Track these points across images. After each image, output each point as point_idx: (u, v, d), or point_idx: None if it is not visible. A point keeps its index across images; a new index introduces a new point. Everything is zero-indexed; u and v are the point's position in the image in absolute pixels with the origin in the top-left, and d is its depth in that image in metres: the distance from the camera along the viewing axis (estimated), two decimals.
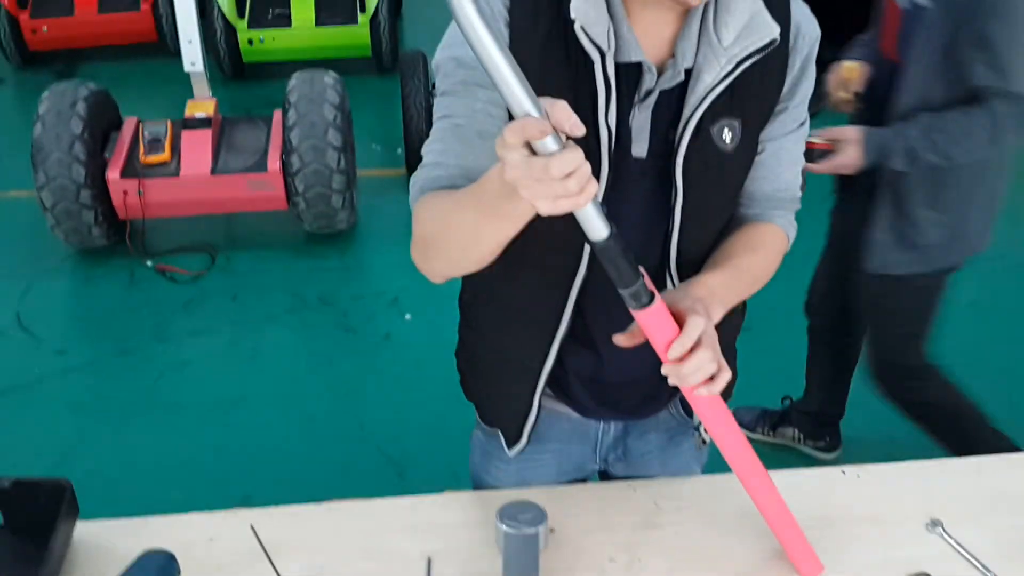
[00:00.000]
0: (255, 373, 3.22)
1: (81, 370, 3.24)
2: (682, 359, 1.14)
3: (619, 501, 1.49)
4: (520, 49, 1.16)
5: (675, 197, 1.27)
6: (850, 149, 2.06)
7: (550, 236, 1.19)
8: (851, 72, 2.21)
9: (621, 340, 1.20)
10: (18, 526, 1.37)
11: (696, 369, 1.14)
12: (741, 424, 2.77)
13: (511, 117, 1.21)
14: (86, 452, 2.88)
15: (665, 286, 1.33)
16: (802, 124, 1.35)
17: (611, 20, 1.18)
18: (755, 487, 1.32)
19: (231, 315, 3.46)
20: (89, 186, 3.42)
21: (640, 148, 1.25)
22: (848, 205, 2.37)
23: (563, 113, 0.94)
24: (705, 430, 1.53)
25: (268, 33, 4.69)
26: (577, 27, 1.15)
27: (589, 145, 1.16)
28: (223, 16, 4.60)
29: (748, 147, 1.30)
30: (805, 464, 2.37)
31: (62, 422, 3.02)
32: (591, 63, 1.18)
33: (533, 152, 0.94)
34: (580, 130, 0.94)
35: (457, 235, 1.16)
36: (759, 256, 1.34)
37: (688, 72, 1.22)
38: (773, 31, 1.20)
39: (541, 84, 0.96)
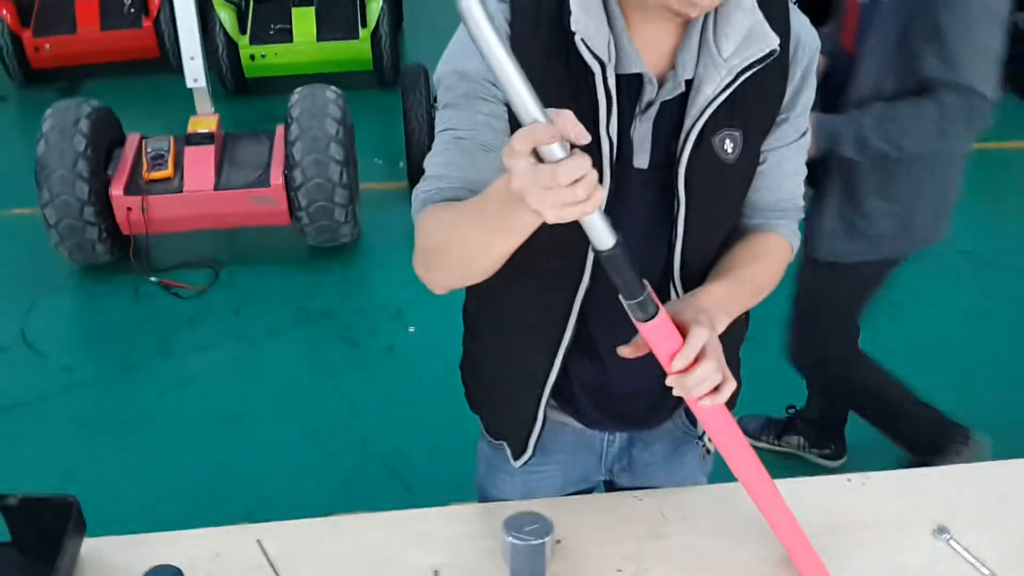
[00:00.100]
0: (259, 387, 3.22)
1: (86, 386, 3.24)
2: (686, 370, 1.14)
3: (625, 511, 1.49)
4: (521, 62, 1.17)
5: (677, 208, 1.27)
6: None
7: (553, 247, 1.20)
8: None
9: (626, 352, 1.21)
10: (25, 543, 1.37)
11: (701, 380, 1.14)
12: (746, 433, 2.74)
13: (515, 126, 1.22)
14: (92, 468, 2.88)
15: (669, 297, 1.33)
16: (803, 134, 1.35)
17: (611, 32, 1.19)
18: (761, 496, 1.31)
19: (235, 330, 3.47)
20: (93, 203, 3.43)
21: (642, 159, 1.26)
22: None
23: (569, 121, 0.95)
24: (709, 440, 1.53)
25: (270, 49, 4.71)
26: (578, 39, 1.16)
27: (591, 156, 1.17)
28: (225, 32, 4.63)
29: (750, 157, 1.30)
30: (810, 472, 2.37)
31: (68, 438, 3.02)
32: (592, 75, 1.18)
33: (540, 160, 0.94)
34: (586, 138, 0.95)
35: (461, 246, 1.16)
36: (763, 266, 1.34)
37: (689, 83, 1.23)
38: (773, 42, 1.20)
39: (542, 96, 0.96)
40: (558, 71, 1.18)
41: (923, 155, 2.09)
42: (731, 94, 1.22)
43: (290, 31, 4.76)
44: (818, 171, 2.16)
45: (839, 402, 2.69)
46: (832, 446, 2.80)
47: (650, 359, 1.19)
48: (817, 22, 2.39)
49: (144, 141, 3.66)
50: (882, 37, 2.01)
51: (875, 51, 2.03)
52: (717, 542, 1.44)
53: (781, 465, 2.75)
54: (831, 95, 2.13)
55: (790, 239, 1.40)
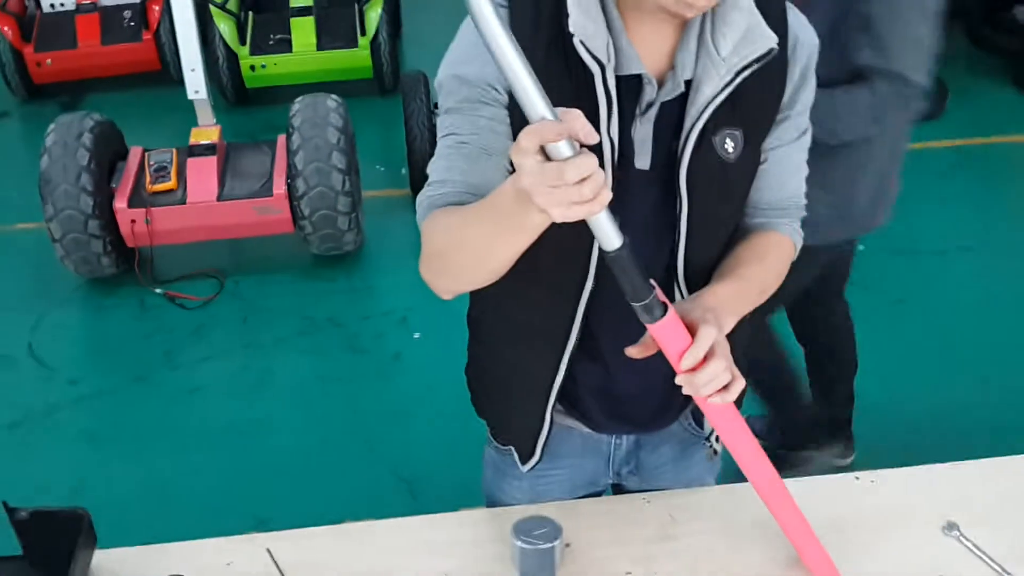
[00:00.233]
0: (267, 397, 3.22)
1: (94, 399, 3.25)
2: (696, 369, 1.14)
3: (634, 514, 1.49)
4: None
5: (680, 208, 1.27)
6: None
7: (557, 250, 1.20)
8: None
9: (633, 352, 1.21)
10: (37, 556, 1.38)
11: (711, 379, 1.15)
12: (754, 432, 2.75)
13: (517, 129, 1.22)
14: (101, 480, 2.88)
15: (673, 297, 1.34)
16: (804, 133, 1.35)
17: (610, 34, 1.19)
18: (770, 495, 1.32)
19: (241, 340, 3.47)
20: (97, 216, 3.44)
21: (643, 160, 1.26)
22: None
23: (578, 120, 0.95)
24: (716, 440, 1.53)
25: (270, 59, 4.71)
26: (576, 41, 1.16)
27: None
28: (225, 43, 4.63)
29: (751, 156, 1.30)
30: (819, 471, 2.36)
31: (77, 451, 3.03)
32: (591, 76, 1.19)
33: (547, 158, 0.94)
34: (594, 137, 0.95)
35: (468, 249, 1.16)
36: (767, 265, 1.35)
37: (688, 83, 1.23)
38: (771, 41, 1.21)
39: None
40: (558, 74, 1.19)
41: (859, 143, 2.11)
42: (731, 93, 1.22)
43: (290, 41, 4.76)
44: None
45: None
46: (840, 444, 2.79)
47: (655, 361, 1.19)
48: None
49: (147, 153, 3.67)
50: (816, 28, 2.04)
51: None
52: (726, 543, 1.44)
53: (788, 466, 2.75)
54: None
55: (792, 237, 1.41)
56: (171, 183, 3.56)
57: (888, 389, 3.04)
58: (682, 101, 1.24)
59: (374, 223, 3.90)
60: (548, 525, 1.35)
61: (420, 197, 1.28)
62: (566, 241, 1.14)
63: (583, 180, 0.94)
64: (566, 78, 1.20)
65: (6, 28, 4.77)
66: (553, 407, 1.45)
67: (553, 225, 1.03)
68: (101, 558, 1.42)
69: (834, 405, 2.76)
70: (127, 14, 5.01)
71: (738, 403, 1.25)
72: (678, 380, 1.16)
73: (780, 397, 2.66)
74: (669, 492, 1.55)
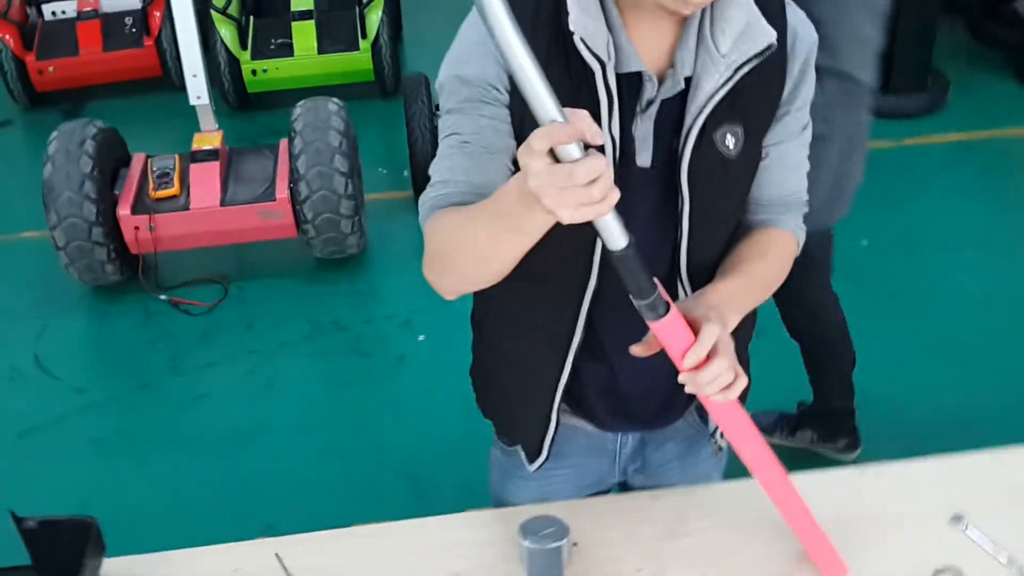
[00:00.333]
0: (273, 401, 3.23)
1: (101, 407, 3.25)
2: (699, 367, 1.14)
3: (641, 512, 1.49)
4: None
5: (682, 205, 1.28)
6: None
7: (560, 250, 1.20)
8: None
9: (637, 351, 1.21)
10: (46, 566, 1.38)
11: (714, 377, 1.15)
12: (759, 428, 2.76)
13: (518, 127, 1.22)
14: (110, 488, 2.89)
15: (676, 295, 1.34)
16: (805, 128, 1.36)
17: (609, 32, 1.20)
18: (776, 491, 1.32)
19: (246, 345, 3.48)
20: (101, 224, 3.45)
21: (644, 158, 1.26)
22: None
23: (585, 121, 0.95)
24: (721, 436, 1.53)
25: (271, 63, 4.72)
26: (576, 39, 1.16)
27: None
28: (226, 48, 4.64)
29: (752, 152, 1.31)
30: (825, 466, 2.36)
31: (85, 460, 3.03)
32: (592, 75, 1.19)
33: (556, 160, 0.95)
34: (601, 138, 0.96)
35: (472, 250, 1.16)
36: (770, 261, 1.35)
37: (688, 80, 1.24)
38: (770, 36, 1.21)
39: None
40: (558, 73, 1.19)
41: (812, 141, 2.14)
42: (731, 90, 1.22)
43: (291, 45, 4.77)
44: None
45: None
46: (845, 439, 2.79)
47: (659, 359, 1.19)
48: None
49: (149, 160, 3.67)
50: None
51: None
52: (734, 539, 1.44)
53: (795, 460, 2.75)
54: None
55: (796, 233, 1.41)
56: (174, 189, 3.57)
57: (891, 383, 3.04)
58: (682, 98, 1.24)
59: (377, 226, 3.90)
60: (555, 524, 1.35)
61: (422, 198, 1.28)
62: (568, 241, 1.14)
63: (592, 181, 0.94)
64: (566, 77, 1.20)
65: (8, 36, 4.78)
66: (559, 407, 1.45)
67: (555, 225, 1.03)
68: (110, 566, 1.43)
69: (833, 398, 2.76)
70: (128, 21, 5.02)
71: (740, 400, 1.25)
72: (681, 378, 1.16)
73: (834, 377, 2.69)
74: (676, 489, 1.55)
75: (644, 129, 1.25)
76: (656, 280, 1.11)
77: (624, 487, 1.66)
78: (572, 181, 0.93)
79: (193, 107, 3.71)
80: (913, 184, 4.10)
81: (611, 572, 1.40)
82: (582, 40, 1.17)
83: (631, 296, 1.10)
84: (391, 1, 4.97)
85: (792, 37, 1.27)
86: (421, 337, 3.44)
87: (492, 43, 1.21)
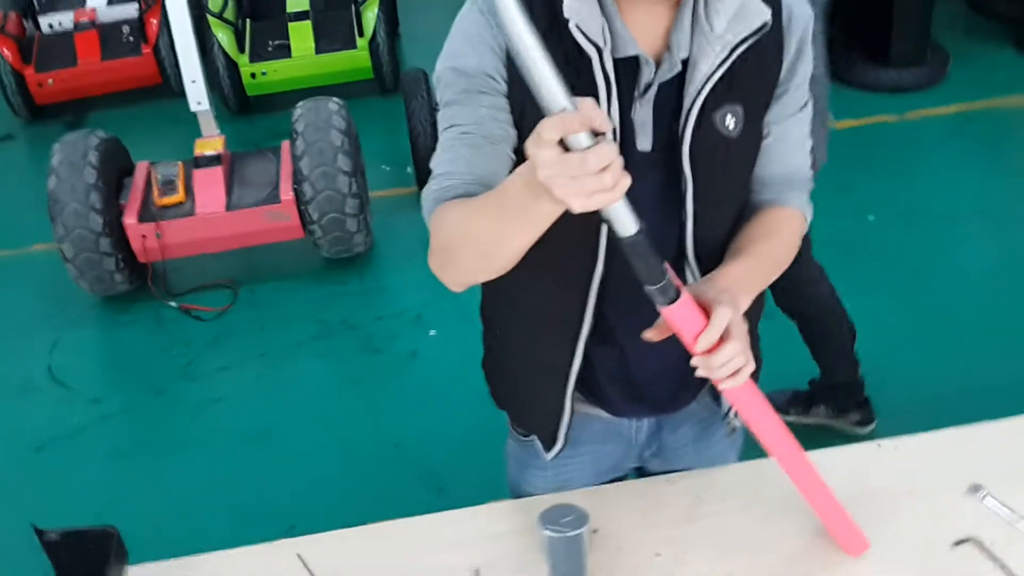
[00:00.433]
0: (288, 402, 3.24)
1: (117, 416, 3.27)
2: (711, 351, 1.15)
3: (659, 496, 1.50)
4: None
5: (685, 187, 1.27)
6: None
7: (565, 237, 1.20)
8: None
9: (650, 335, 1.21)
10: None
11: (727, 361, 1.15)
12: (774, 407, 2.76)
13: (518, 116, 1.22)
14: (130, 497, 2.90)
15: (684, 278, 1.34)
16: (805, 106, 1.35)
17: (604, 17, 1.20)
18: (794, 469, 1.32)
19: (258, 347, 3.49)
20: (108, 234, 3.45)
21: (645, 142, 1.26)
22: None
23: (593, 108, 0.95)
24: (735, 416, 1.53)
25: (270, 66, 4.72)
26: (572, 26, 1.16)
27: None
28: (224, 53, 4.64)
29: (752, 132, 1.31)
30: (842, 442, 2.35)
31: (103, 469, 3.04)
32: (588, 61, 1.19)
33: (565, 149, 0.94)
34: (609, 125, 0.95)
35: (478, 242, 1.16)
36: (779, 240, 1.35)
37: (685, 63, 1.23)
38: (764, 15, 1.21)
39: None
40: (555, 61, 1.19)
41: None
42: (728, 70, 1.22)
43: (288, 46, 4.77)
44: None
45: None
46: (857, 413, 2.79)
47: (670, 343, 1.19)
48: None
49: (153, 168, 3.67)
50: None
51: None
52: (753, 519, 1.44)
53: (812, 437, 2.74)
54: None
55: (803, 211, 1.41)
56: (179, 196, 3.57)
57: (904, 356, 3.04)
58: (680, 81, 1.24)
59: (383, 223, 3.91)
60: (575, 512, 1.35)
61: (425, 192, 1.27)
62: (573, 228, 1.14)
63: (604, 169, 0.94)
64: (563, 65, 1.19)
65: (6, 50, 4.78)
66: (573, 394, 1.45)
67: (572, 213, 1.03)
68: (133, 573, 1.44)
69: (837, 373, 2.76)
70: (125, 29, 5.01)
71: (755, 378, 1.25)
72: (693, 362, 1.16)
73: (834, 351, 2.70)
74: (693, 472, 1.55)
75: (643, 113, 1.25)
76: (667, 265, 1.11)
77: (641, 472, 1.67)
78: (584, 170, 0.93)
79: (194, 113, 3.71)
80: (916, 157, 4.09)
81: (631, 557, 1.40)
82: (577, 27, 1.17)
83: (642, 282, 1.10)
84: None
85: (787, 15, 1.27)
86: (432, 332, 3.44)
87: (489, 34, 1.22)
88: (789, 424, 1.29)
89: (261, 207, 3.57)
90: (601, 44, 1.19)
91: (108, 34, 5.00)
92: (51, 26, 5.10)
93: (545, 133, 0.94)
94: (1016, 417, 1.60)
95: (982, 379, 2.90)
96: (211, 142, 3.70)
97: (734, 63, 1.22)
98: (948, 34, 4.68)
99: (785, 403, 2.83)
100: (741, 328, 1.17)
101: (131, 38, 4.99)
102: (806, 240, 2.55)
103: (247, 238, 3.65)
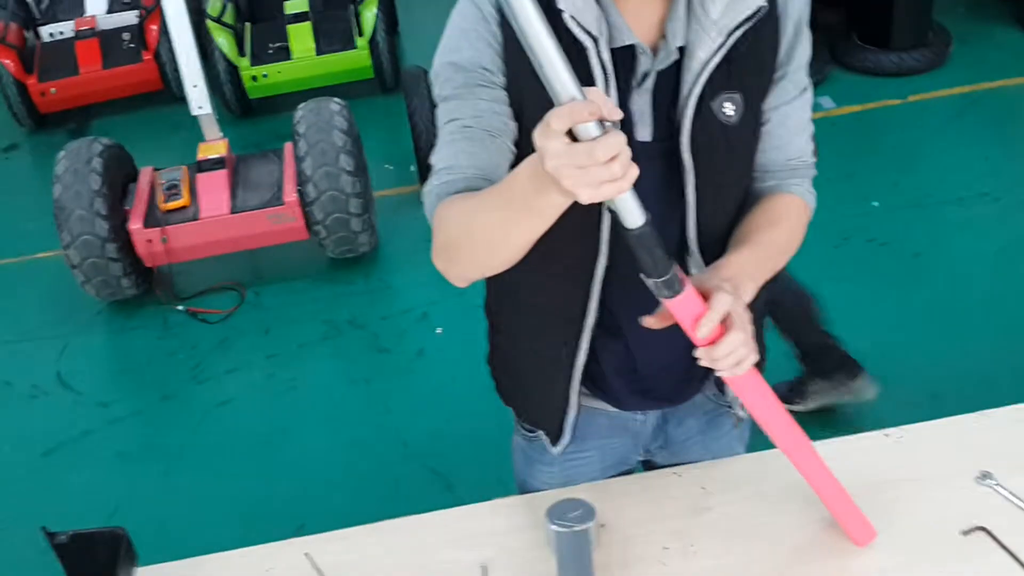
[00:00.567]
0: (296, 403, 3.24)
1: (126, 420, 3.28)
2: (714, 341, 1.14)
3: (666, 489, 1.49)
4: (515, 49, 1.17)
5: (686, 176, 1.27)
6: None
7: (568, 231, 1.19)
8: None
9: (649, 322, 1.20)
10: None
11: (730, 351, 1.14)
12: (779, 398, 2.75)
13: (517, 108, 1.22)
14: (139, 500, 2.91)
15: (687, 268, 1.34)
16: (804, 90, 1.34)
17: (600, 7, 1.19)
18: (800, 459, 1.31)
19: (265, 349, 3.49)
20: (113, 240, 3.47)
21: (644, 132, 1.26)
22: None
23: (601, 97, 0.94)
24: (741, 407, 1.53)
25: (270, 68, 4.72)
26: (567, 17, 1.16)
27: None
28: (224, 56, 4.64)
29: (752, 118, 1.30)
30: (848, 431, 2.36)
31: (112, 473, 3.06)
32: (585, 52, 1.18)
33: (573, 139, 0.94)
34: (618, 113, 0.95)
35: (484, 236, 1.15)
36: (783, 228, 1.34)
37: (682, 51, 1.23)
38: None
39: (539, 81, 0.97)
40: None
41: None
42: (725, 56, 1.22)
43: (288, 48, 4.77)
44: None
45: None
46: (841, 372, 2.75)
47: (674, 335, 1.19)
48: None
49: (157, 173, 3.69)
50: None
51: None
52: (760, 510, 1.44)
53: (818, 427, 2.74)
54: None
55: (806, 198, 1.40)
56: (183, 200, 3.58)
57: (911, 343, 3.03)
58: (677, 69, 1.23)
59: (387, 222, 3.91)
60: (582, 507, 1.35)
61: (426, 188, 1.27)
62: (576, 221, 1.14)
63: (612, 159, 0.93)
64: None
65: (7, 61, 4.80)
66: (579, 389, 1.45)
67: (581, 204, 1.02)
68: (144, 575, 1.44)
69: (808, 341, 2.74)
70: (126, 36, 5.03)
71: (760, 368, 1.24)
72: (696, 352, 1.16)
73: (798, 324, 2.68)
74: (700, 464, 1.55)
75: (641, 103, 1.25)
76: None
77: (647, 465, 1.67)
78: (592, 159, 0.92)
79: (196, 118, 3.72)
80: (920, 141, 4.07)
81: (640, 551, 1.40)
82: (572, 17, 1.16)
83: (646, 275, 1.10)
84: None
85: None
86: (439, 330, 3.44)
87: (484, 28, 1.21)
88: (796, 415, 1.29)
89: (265, 209, 3.58)
90: (597, 34, 1.18)
91: (109, 41, 5.01)
92: (52, 35, 5.12)
93: (554, 122, 0.93)
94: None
95: (989, 366, 2.89)
96: (214, 146, 3.71)
97: (731, 49, 1.21)
98: (950, 15, 4.65)
99: (787, 394, 2.82)
100: (744, 318, 1.17)
101: (132, 45, 5.00)
102: None
103: (252, 240, 3.66)
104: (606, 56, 1.19)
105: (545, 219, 1.07)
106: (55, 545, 1.36)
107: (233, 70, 4.69)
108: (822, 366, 2.77)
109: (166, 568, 1.47)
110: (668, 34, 1.22)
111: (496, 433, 1.80)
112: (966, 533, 1.37)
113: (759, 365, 1.21)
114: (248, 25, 4.93)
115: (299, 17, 4.88)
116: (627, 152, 0.94)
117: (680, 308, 1.13)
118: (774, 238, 1.32)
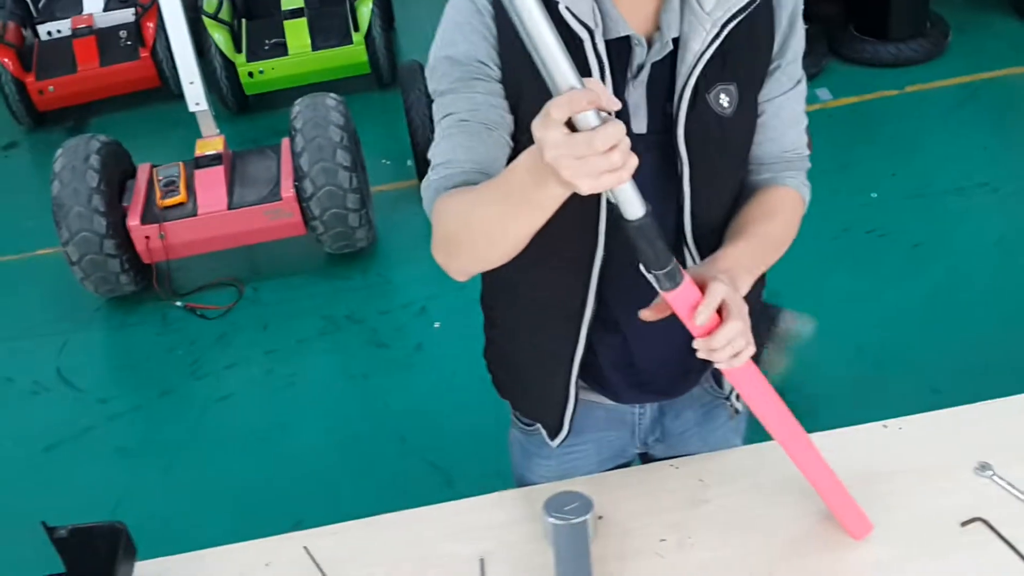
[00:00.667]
0: (294, 399, 3.25)
1: (125, 416, 3.28)
2: (711, 331, 1.14)
3: (663, 481, 1.50)
4: (510, 41, 1.18)
5: (681, 168, 1.27)
6: None
7: (565, 224, 1.19)
8: None
9: (646, 315, 1.20)
10: (79, 572, 1.40)
11: (727, 342, 1.15)
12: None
13: (514, 100, 1.21)
14: (139, 495, 2.92)
15: (684, 260, 1.34)
16: (799, 82, 1.34)
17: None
18: (796, 452, 1.31)
19: (264, 344, 3.49)
20: (112, 236, 3.47)
21: (639, 124, 1.26)
22: None
23: (600, 87, 0.94)
24: (737, 398, 1.53)
25: (267, 64, 4.72)
26: (562, 8, 1.16)
27: None
28: (221, 53, 4.64)
29: (747, 110, 1.30)
30: (846, 423, 2.36)
31: (112, 468, 3.06)
32: (580, 43, 1.18)
33: (572, 130, 0.94)
34: (617, 104, 0.95)
35: (483, 230, 1.15)
36: (778, 221, 1.34)
37: (676, 42, 1.23)
38: None
39: (535, 73, 0.96)
40: None
41: None
42: (719, 48, 1.21)
43: (284, 44, 4.76)
44: None
45: None
46: (763, 324, 2.71)
47: (671, 328, 1.19)
48: None
49: (155, 170, 3.69)
50: None
51: None
52: (757, 502, 1.44)
53: (815, 418, 2.73)
54: None
55: (800, 190, 1.40)
56: (181, 196, 3.58)
57: (910, 334, 3.03)
58: (672, 61, 1.23)
59: (385, 217, 3.91)
60: (579, 500, 1.35)
61: (425, 182, 1.27)
62: (574, 214, 1.14)
63: (612, 148, 0.93)
64: None
65: (6, 59, 4.80)
66: (576, 382, 1.45)
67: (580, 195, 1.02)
68: (142, 569, 1.45)
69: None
70: (123, 34, 5.02)
71: (757, 360, 1.24)
72: (694, 344, 1.16)
73: None
74: (697, 457, 1.55)
75: (637, 95, 1.25)
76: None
77: (645, 458, 1.67)
78: (592, 149, 0.92)
79: (193, 114, 3.71)
80: (919, 131, 4.06)
81: (637, 543, 1.40)
82: (567, 8, 1.16)
83: (646, 267, 1.09)
84: None
85: None
86: (437, 324, 3.45)
87: (479, 21, 1.21)
88: (791, 404, 1.28)
89: (262, 205, 3.58)
90: (592, 25, 1.18)
91: (106, 39, 5.01)
92: (49, 33, 5.12)
93: (554, 112, 0.92)
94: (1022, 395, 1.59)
95: (988, 356, 2.89)
96: (211, 142, 3.71)
97: (725, 40, 1.21)
98: (948, 5, 4.64)
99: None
100: (741, 309, 1.17)
101: (129, 42, 5.00)
102: None
103: (250, 236, 3.66)
104: (601, 47, 1.19)
105: (544, 211, 1.07)
106: (54, 539, 1.36)
107: (230, 66, 4.69)
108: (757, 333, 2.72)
109: (166, 562, 1.47)
110: (663, 25, 1.22)
111: (495, 427, 1.80)
112: (964, 524, 1.37)
113: (756, 356, 1.21)
114: (244, 21, 4.93)
115: (295, 13, 4.87)
116: (626, 141, 0.94)
117: (678, 300, 1.13)
118: (770, 231, 1.32)
